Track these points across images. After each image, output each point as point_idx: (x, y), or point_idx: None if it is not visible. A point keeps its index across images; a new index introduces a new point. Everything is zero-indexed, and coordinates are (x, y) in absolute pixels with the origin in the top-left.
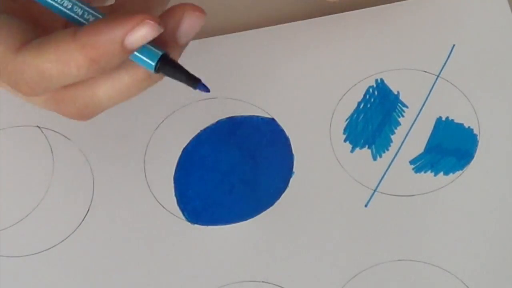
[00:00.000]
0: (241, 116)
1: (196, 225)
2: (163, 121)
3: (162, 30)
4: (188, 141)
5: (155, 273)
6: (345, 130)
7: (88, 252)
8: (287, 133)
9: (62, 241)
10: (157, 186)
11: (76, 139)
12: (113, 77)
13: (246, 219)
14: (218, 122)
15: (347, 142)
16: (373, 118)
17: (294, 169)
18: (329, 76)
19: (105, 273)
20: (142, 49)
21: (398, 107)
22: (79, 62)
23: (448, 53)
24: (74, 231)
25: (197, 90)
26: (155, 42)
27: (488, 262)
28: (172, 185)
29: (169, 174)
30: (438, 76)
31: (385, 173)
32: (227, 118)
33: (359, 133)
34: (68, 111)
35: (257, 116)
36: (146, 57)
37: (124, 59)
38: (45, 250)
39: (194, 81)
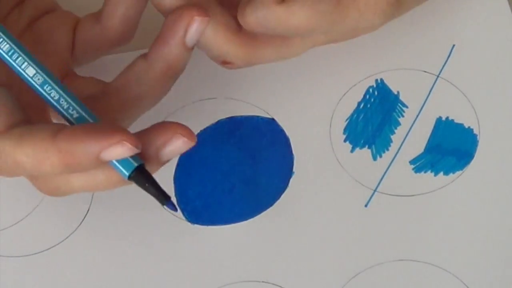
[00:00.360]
0: (241, 116)
1: (196, 225)
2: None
3: (138, 151)
4: None
5: (155, 273)
6: (345, 130)
7: (88, 252)
8: (287, 133)
9: (62, 241)
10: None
11: None
12: (88, 174)
13: (246, 219)
14: (218, 122)
15: (347, 142)
16: (373, 118)
17: (294, 169)
18: (329, 76)
19: (105, 273)
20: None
21: (398, 107)
22: (54, 163)
23: (448, 53)
24: (74, 231)
25: (165, 207)
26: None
27: (488, 262)
28: (172, 185)
29: (169, 174)
30: (438, 76)
31: (385, 173)
32: (227, 118)
33: (359, 133)
34: (42, 189)
35: (257, 116)
36: (121, 165)
37: (99, 167)
38: (45, 250)
39: (164, 198)
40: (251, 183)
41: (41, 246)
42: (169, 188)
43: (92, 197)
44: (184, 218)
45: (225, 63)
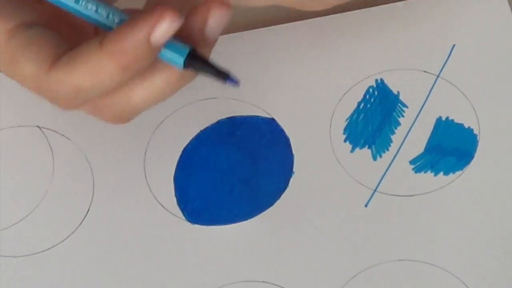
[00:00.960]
0: (241, 116)
1: (196, 225)
2: (163, 121)
3: (182, 20)
4: (188, 141)
5: (155, 273)
6: (345, 130)
7: (88, 252)
8: (287, 133)
9: (62, 241)
10: (157, 186)
11: (76, 139)
12: (147, 81)
13: (246, 219)
14: (218, 122)
15: (347, 142)
16: (373, 118)
17: (294, 169)
18: (329, 76)
19: (105, 273)
20: (170, 46)
21: (398, 107)
22: (111, 71)
23: (448, 53)
24: (74, 231)
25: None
26: (185, 40)
27: (488, 262)
28: (172, 185)
29: (169, 174)
30: (438, 76)
31: (385, 173)
32: (227, 118)
33: (359, 133)
34: (106, 117)
35: (257, 116)
36: (175, 54)
37: (154, 58)
38: (45, 250)
39: (223, 76)
40: (251, 183)
41: (41, 246)
42: (169, 188)
43: (92, 197)
44: (184, 218)
45: None
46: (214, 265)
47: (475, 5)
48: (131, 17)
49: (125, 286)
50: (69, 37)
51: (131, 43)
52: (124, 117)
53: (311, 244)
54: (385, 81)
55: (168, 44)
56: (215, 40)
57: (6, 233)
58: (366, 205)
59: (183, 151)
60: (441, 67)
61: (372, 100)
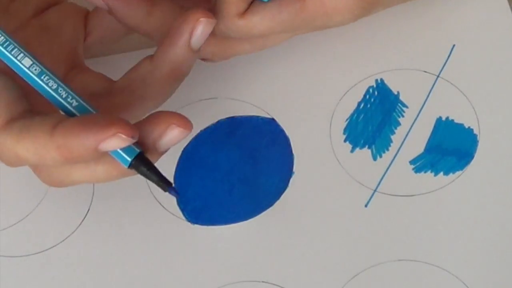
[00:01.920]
0: (241, 116)
1: (196, 225)
2: None
3: (134, 141)
4: (188, 141)
5: (155, 273)
6: (345, 130)
7: (88, 252)
8: (287, 133)
9: (62, 241)
10: (157, 186)
11: None
12: (89, 168)
13: (246, 219)
14: (218, 122)
15: (347, 142)
16: (373, 118)
17: (294, 169)
18: (329, 76)
19: (105, 273)
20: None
21: (398, 107)
22: (55, 158)
23: (448, 53)
24: (74, 231)
25: (167, 193)
26: (136, 143)
27: (488, 262)
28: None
29: (169, 174)
30: (438, 76)
31: (385, 173)
32: (227, 118)
33: (359, 133)
34: (44, 180)
35: (257, 116)
36: (123, 153)
37: (99, 158)
38: (45, 250)
39: (166, 184)
40: (251, 183)
41: (41, 246)
42: None
43: (92, 197)
44: (184, 218)
45: (203, 59)
46: (214, 265)
47: (475, 5)
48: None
49: (125, 286)
50: (31, 89)
51: (79, 145)
52: (62, 185)
53: (311, 244)
54: (385, 81)
55: None
56: (165, 152)
57: (6, 233)
58: (366, 205)
59: (183, 151)
60: (441, 67)
61: (372, 100)
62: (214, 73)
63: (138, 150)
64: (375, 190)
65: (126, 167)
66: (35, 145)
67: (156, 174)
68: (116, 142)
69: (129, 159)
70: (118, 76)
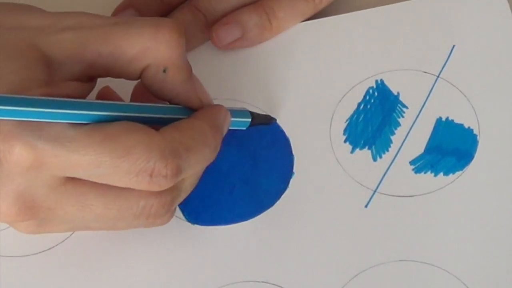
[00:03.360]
0: None
1: (196, 225)
2: None
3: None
4: None
5: (155, 273)
6: (345, 131)
7: (88, 252)
8: (287, 134)
9: (62, 241)
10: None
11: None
12: None
13: (246, 220)
14: None
15: (347, 143)
16: (373, 119)
17: (294, 170)
18: (329, 77)
19: (105, 273)
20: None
21: (398, 107)
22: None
23: (448, 53)
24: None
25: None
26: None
27: (488, 262)
28: None
29: None
30: (438, 77)
31: (385, 173)
32: None
33: (359, 134)
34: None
35: None
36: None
37: None
38: (45, 250)
39: (271, 119)
40: (251, 184)
41: (41, 246)
42: None
43: None
44: (184, 218)
45: None
46: (214, 265)
47: (475, 5)
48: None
49: (125, 286)
50: None
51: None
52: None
53: (311, 244)
54: (385, 82)
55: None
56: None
57: (6, 233)
58: (366, 206)
59: None
60: (441, 68)
61: (372, 101)
62: (214, 74)
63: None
64: (375, 191)
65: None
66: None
67: (263, 116)
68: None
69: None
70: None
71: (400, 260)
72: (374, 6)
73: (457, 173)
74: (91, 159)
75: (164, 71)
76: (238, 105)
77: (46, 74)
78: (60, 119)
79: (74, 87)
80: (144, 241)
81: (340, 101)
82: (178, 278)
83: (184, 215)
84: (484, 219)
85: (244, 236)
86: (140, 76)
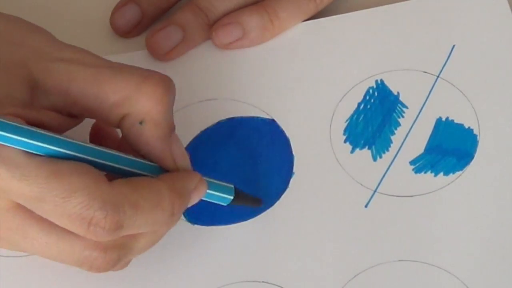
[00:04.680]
0: (241, 117)
1: (196, 225)
2: None
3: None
4: (188, 142)
5: (155, 273)
6: (345, 131)
7: None
8: (287, 134)
9: None
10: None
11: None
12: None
13: (246, 219)
14: (218, 123)
15: (347, 143)
16: (373, 119)
17: (294, 170)
18: (329, 77)
19: (105, 273)
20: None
21: (398, 107)
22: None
23: (448, 53)
24: None
25: None
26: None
27: (488, 262)
28: None
29: None
30: (438, 77)
31: (385, 173)
32: (227, 119)
33: (359, 134)
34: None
35: (257, 117)
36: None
37: None
38: None
39: (258, 202)
40: (251, 184)
41: None
42: None
43: None
44: (184, 218)
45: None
46: (214, 265)
47: (475, 5)
48: None
49: (125, 286)
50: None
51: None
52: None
53: (311, 244)
54: (385, 82)
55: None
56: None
57: None
58: (366, 206)
59: None
60: (441, 68)
61: (372, 101)
62: (214, 74)
63: (231, 185)
64: (375, 191)
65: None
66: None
67: (250, 198)
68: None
69: (231, 197)
70: None
71: (400, 260)
72: (374, 6)
73: (457, 173)
74: (34, 192)
75: (141, 123)
76: (238, 105)
77: (28, 96)
78: (15, 145)
79: (51, 117)
80: None
81: (340, 101)
82: (178, 278)
83: (184, 215)
84: (484, 219)
85: (244, 236)
86: (119, 124)
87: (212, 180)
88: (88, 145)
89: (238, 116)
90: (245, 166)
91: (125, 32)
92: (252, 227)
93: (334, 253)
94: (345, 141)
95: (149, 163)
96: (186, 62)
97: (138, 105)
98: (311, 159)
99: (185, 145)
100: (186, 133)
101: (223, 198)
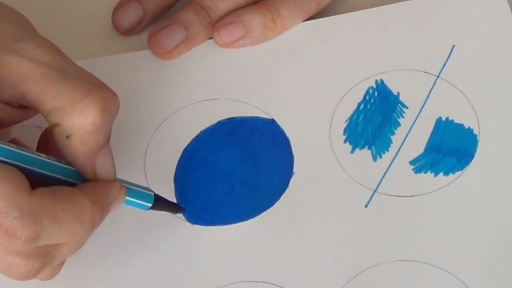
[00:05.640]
0: (241, 117)
1: (196, 225)
2: (163, 121)
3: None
4: (188, 141)
5: (155, 273)
6: (345, 131)
7: (88, 252)
8: (287, 134)
9: None
10: (157, 186)
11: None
12: None
13: (246, 220)
14: (218, 123)
15: (347, 143)
16: (373, 119)
17: (294, 170)
18: (329, 77)
19: (105, 273)
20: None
21: (398, 107)
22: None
23: (448, 53)
24: None
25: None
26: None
27: (488, 262)
28: (172, 185)
29: (169, 175)
30: (438, 77)
31: (385, 173)
32: (227, 119)
33: (359, 134)
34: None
35: (257, 117)
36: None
37: None
38: None
39: (179, 208)
40: (251, 184)
41: None
42: (169, 188)
43: None
44: (184, 218)
45: None
46: (214, 265)
47: (475, 5)
48: None
49: (125, 286)
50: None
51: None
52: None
53: (311, 244)
54: (385, 82)
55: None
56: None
57: None
58: (366, 206)
59: (183, 152)
60: (441, 68)
61: (372, 101)
62: (215, 74)
63: (152, 193)
64: (375, 191)
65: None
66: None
67: (170, 204)
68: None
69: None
70: (116, 77)
71: (400, 260)
72: (374, 6)
73: (457, 173)
74: None
75: (68, 137)
76: (238, 105)
77: None
78: None
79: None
80: (144, 241)
81: (340, 101)
82: (178, 278)
83: (184, 215)
84: (484, 219)
85: (244, 236)
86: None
87: (133, 187)
88: (11, 148)
89: (238, 116)
90: (245, 166)
91: (127, 30)
92: (252, 227)
93: (334, 253)
94: (345, 141)
95: (73, 169)
96: (186, 62)
97: (70, 120)
98: (311, 159)
99: (185, 145)
100: (186, 133)
101: (141, 205)
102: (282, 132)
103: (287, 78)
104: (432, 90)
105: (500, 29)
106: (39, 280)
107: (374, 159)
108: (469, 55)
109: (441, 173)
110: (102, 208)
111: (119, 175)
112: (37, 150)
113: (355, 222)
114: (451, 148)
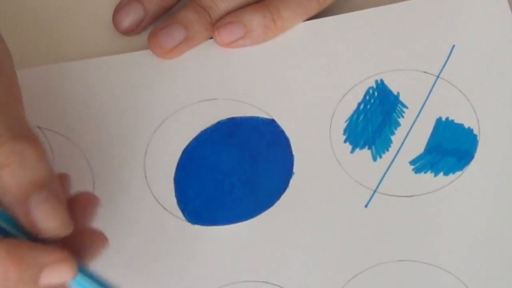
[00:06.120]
0: (241, 117)
1: (196, 225)
2: (163, 121)
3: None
4: (188, 141)
5: (155, 273)
6: (345, 131)
7: None
8: (287, 134)
9: None
10: (157, 187)
11: (76, 139)
12: None
13: (246, 220)
14: (218, 123)
15: (347, 143)
16: (373, 119)
17: (294, 170)
18: (329, 77)
19: (105, 274)
20: None
21: (398, 107)
22: None
23: (448, 53)
24: None
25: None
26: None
27: (488, 262)
28: (172, 185)
29: (169, 175)
30: (438, 77)
31: (385, 173)
32: (227, 119)
33: (359, 134)
34: None
35: (257, 117)
36: None
37: None
38: None
39: None
40: (251, 184)
41: None
42: (169, 188)
43: None
44: (184, 218)
45: None
46: (214, 265)
47: (475, 5)
48: None
49: (125, 286)
50: None
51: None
52: None
53: (311, 244)
54: (385, 82)
55: None
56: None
57: None
58: (366, 206)
59: (183, 152)
60: (441, 68)
61: (372, 101)
62: (215, 74)
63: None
64: (375, 191)
65: None
66: None
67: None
68: None
69: None
70: (117, 77)
71: (400, 260)
72: (374, 6)
73: (457, 173)
74: None
75: None
76: (238, 105)
77: None
78: None
79: None
80: (144, 241)
81: (340, 101)
82: (178, 278)
83: (184, 215)
84: (484, 219)
85: (244, 236)
86: None
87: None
88: None
89: (238, 116)
90: (245, 166)
91: (128, 30)
92: (252, 227)
93: (334, 253)
94: (345, 141)
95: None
96: (186, 62)
97: None
98: (311, 159)
99: (185, 145)
100: (187, 133)
101: None
102: (282, 132)
103: (287, 78)
104: (432, 90)
105: (500, 29)
106: None
107: (374, 159)
108: (469, 55)
109: (441, 173)
110: (19, 263)
111: (119, 175)
112: None
113: (355, 222)
114: (451, 148)
